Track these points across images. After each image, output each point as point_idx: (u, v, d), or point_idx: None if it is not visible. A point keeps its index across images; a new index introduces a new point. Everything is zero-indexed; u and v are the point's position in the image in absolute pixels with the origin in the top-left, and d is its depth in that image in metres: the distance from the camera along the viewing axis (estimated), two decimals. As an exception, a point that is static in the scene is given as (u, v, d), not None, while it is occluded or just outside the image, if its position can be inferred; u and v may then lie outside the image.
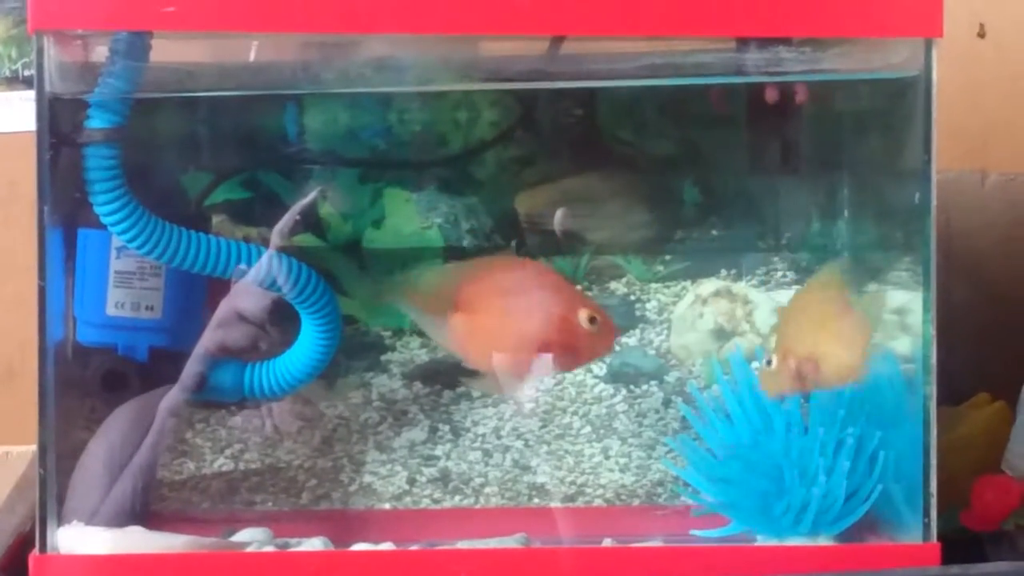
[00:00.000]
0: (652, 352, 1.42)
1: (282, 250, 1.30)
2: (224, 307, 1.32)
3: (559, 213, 1.41)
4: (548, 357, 1.27)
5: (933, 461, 1.22)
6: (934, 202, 1.22)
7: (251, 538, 1.29)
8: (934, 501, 1.22)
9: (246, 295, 1.31)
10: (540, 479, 1.39)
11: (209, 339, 1.32)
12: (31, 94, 1.22)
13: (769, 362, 1.24)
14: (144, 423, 1.33)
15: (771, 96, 1.35)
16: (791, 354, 1.23)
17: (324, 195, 1.39)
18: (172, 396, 1.32)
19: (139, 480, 1.32)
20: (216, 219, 1.38)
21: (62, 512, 1.24)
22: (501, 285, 1.28)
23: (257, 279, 1.29)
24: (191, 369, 1.31)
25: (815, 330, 1.24)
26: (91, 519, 1.26)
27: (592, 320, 1.26)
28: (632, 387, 1.40)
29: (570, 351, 1.27)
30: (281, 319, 1.33)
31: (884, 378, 1.28)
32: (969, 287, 1.63)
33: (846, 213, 1.41)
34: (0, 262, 1.71)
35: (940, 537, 1.23)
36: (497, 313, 1.28)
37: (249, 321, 1.32)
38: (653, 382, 1.41)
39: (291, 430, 1.39)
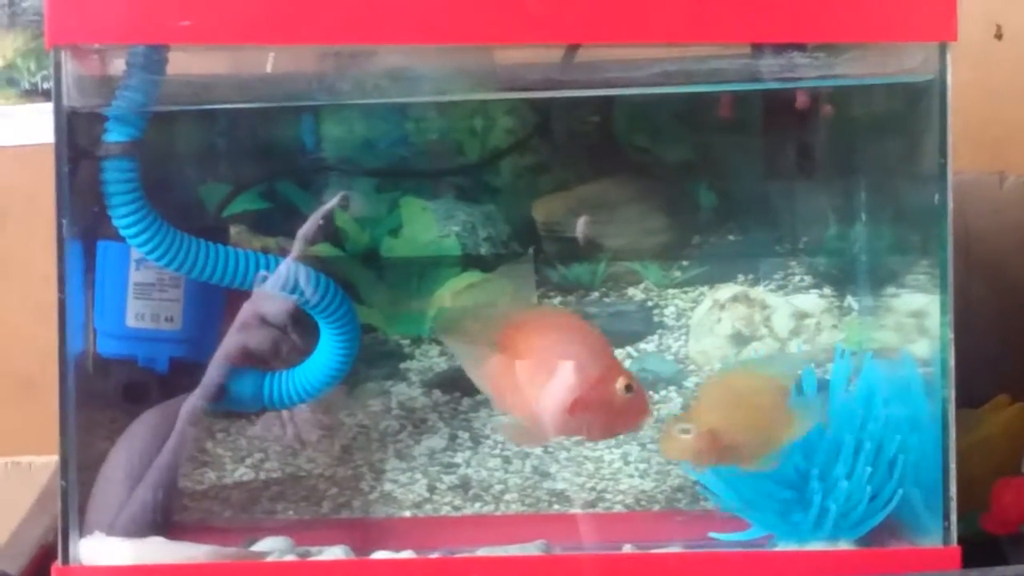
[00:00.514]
0: (670, 358, 1.42)
1: (303, 257, 1.31)
2: (247, 310, 1.32)
3: (581, 221, 1.41)
4: (579, 419, 1.25)
5: (952, 464, 1.22)
6: (951, 205, 1.22)
7: (272, 547, 1.29)
8: (954, 505, 1.22)
9: (269, 299, 1.32)
10: (560, 485, 1.39)
11: (231, 342, 1.32)
12: (49, 107, 1.22)
13: (687, 431, 1.22)
14: (164, 433, 1.33)
15: (802, 102, 1.35)
16: (713, 431, 1.22)
17: (347, 200, 1.39)
18: (192, 402, 1.32)
19: (160, 490, 1.32)
20: (235, 230, 1.39)
21: (84, 523, 1.25)
22: (546, 338, 1.26)
23: (276, 289, 1.30)
24: (212, 374, 1.32)
25: (745, 416, 1.24)
26: (112, 530, 1.27)
27: (628, 388, 1.24)
28: (651, 392, 1.41)
29: (602, 417, 1.25)
30: (303, 323, 1.34)
31: (903, 381, 1.28)
32: (987, 289, 1.62)
33: (863, 216, 1.41)
34: (21, 274, 1.72)
35: (960, 540, 1.22)
36: (536, 365, 1.26)
37: (271, 324, 1.33)
38: (672, 387, 1.41)
39: (311, 439, 1.39)
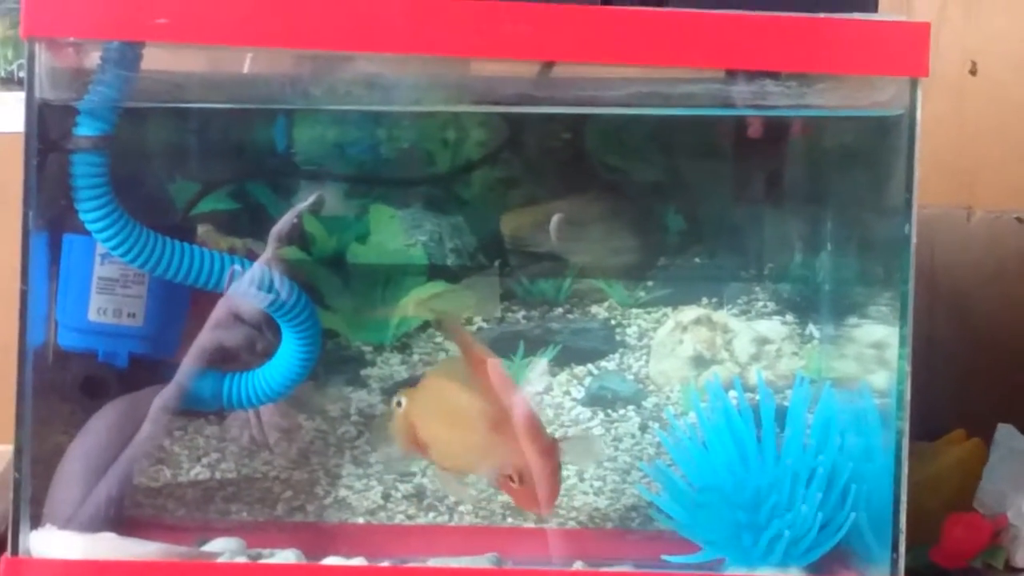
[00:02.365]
0: (631, 377, 1.42)
1: (277, 254, 1.31)
2: (221, 308, 1.32)
3: (555, 219, 1.41)
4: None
5: (904, 496, 1.23)
6: (914, 239, 1.23)
7: (224, 548, 1.29)
8: (903, 536, 1.22)
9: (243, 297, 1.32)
10: (514, 499, 1.39)
11: (206, 339, 1.32)
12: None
13: (400, 404, 1.26)
14: (122, 429, 1.33)
15: (754, 131, 1.36)
16: (411, 423, 1.27)
17: (323, 201, 1.39)
18: (163, 398, 1.32)
19: (114, 486, 1.32)
20: (202, 229, 1.39)
21: (37, 515, 1.25)
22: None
23: (239, 290, 1.30)
24: (185, 370, 1.32)
25: (445, 425, 1.28)
26: (65, 523, 1.27)
27: (521, 479, 1.27)
28: (609, 411, 1.41)
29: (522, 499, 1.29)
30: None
31: (860, 411, 1.29)
32: (951, 323, 1.63)
33: (828, 246, 1.41)
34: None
35: (909, 572, 1.23)
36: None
37: (245, 322, 1.33)
38: (630, 407, 1.42)
39: (268, 441, 1.39)
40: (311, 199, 1.37)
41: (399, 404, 1.27)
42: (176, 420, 1.38)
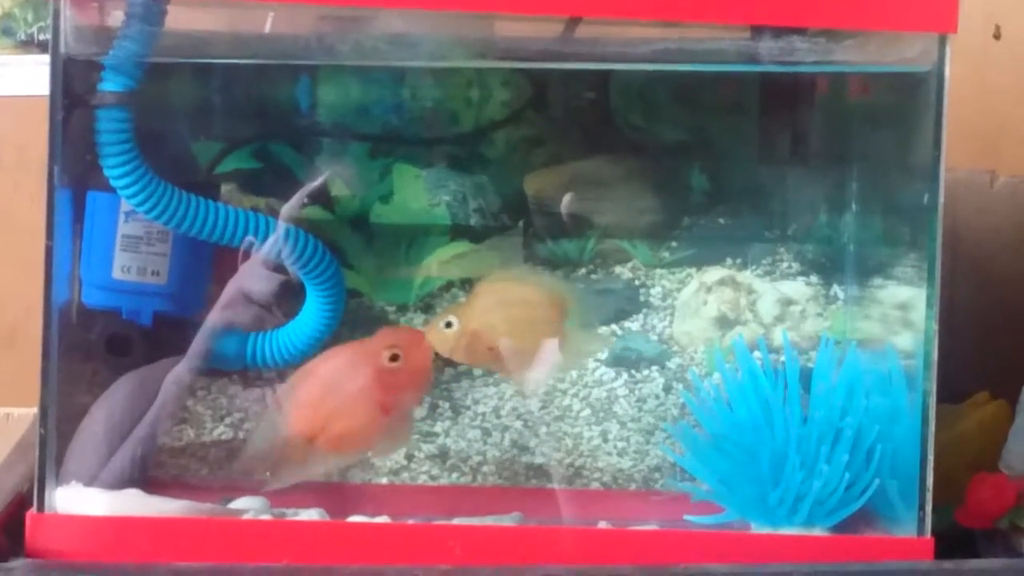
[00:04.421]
0: (655, 338, 1.42)
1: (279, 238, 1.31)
2: (231, 288, 1.32)
3: (567, 197, 1.41)
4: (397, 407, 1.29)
5: (930, 457, 1.23)
6: (941, 199, 1.22)
7: (248, 506, 1.29)
8: (929, 496, 1.23)
9: (253, 276, 1.32)
10: (538, 460, 1.39)
11: (216, 319, 1.32)
12: (45, 58, 1.22)
13: (450, 325, 1.27)
14: (148, 393, 1.33)
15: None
16: (476, 332, 1.26)
17: (332, 178, 1.39)
18: (178, 372, 1.32)
19: (139, 448, 1.32)
20: (225, 187, 1.39)
21: (61, 473, 1.25)
22: (316, 393, 1.29)
23: (264, 249, 1.30)
24: (196, 348, 1.32)
25: (511, 325, 1.27)
26: (90, 481, 1.27)
27: (394, 357, 1.28)
28: (633, 372, 1.41)
29: (403, 393, 1.30)
30: (288, 300, 1.34)
31: (885, 372, 1.29)
32: (972, 287, 1.63)
33: (853, 206, 1.41)
34: (8, 226, 1.72)
35: (934, 533, 1.23)
36: (334, 414, 1.29)
37: (255, 302, 1.33)
38: (654, 367, 1.41)
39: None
40: (321, 178, 1.37)
41: (449, 325, 1.27)
42: (199, 380, 1.38)
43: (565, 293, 1.31)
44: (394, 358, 1.28)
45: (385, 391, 1.28)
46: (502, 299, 1.29)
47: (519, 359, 1.28)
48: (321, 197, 1.38)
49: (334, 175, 1.39)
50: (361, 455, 1.36)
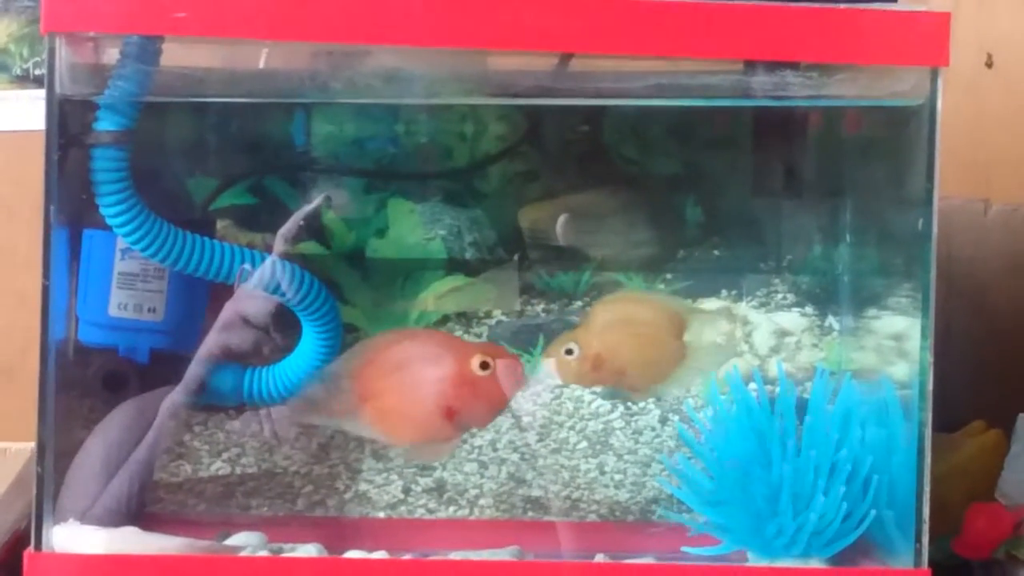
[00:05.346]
0: (651, 370, 1.42)
1: (285, 256, 1.31)
2: (228, 311, 1.32)
3: (561, 219, 1.41)
4: (458, 418, 1.26)
5: (927, 487, 1.23)
6: (935, 230, 1.22)
7: (245, 542, 1.29)
8: (926, 527, 1.22)
9: (250, 299, 1.32)
10: (535, 492, 1.39)
11: (213, 342, 1.32)
12: (41, 93, 1.22)
13: (570, 351, 1.26)
14: (143, 424, 1.33)
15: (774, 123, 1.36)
16: (599, 355, 1.26)
17: (329, 202, 1.39)
18: (173, 399, 1.32)
19: (136, 481, 1.32)
20: (221, 224, 1.39)
21: (58, 510, 1.25)
22: (392, 362, 1.27)
23: (259, 284, 1.30)
24: (193, 372, 1.32)
25: (633, 342, 1.27)
26: (87, 518, 1.27)
27: (484, 365, 1.24)
28: (629, 404, 1.41)
29: (475, 404, 1.26)
30: (285, 324, 1.34)
31: (881, 403, 1.29)
32: (969, 316, 1.63)
33: (847, 237, 1.41)
34: (5, 261, 1.72)
35: (931, 564, 1.23)
36: (397, 390, 1.26)
37: (253, 325, 1.33)
38: (650, 399, 1.41)
39: (288, 436, 1.39)
40: (318, 200, 1.37)
41: (570, 352, 1.26)
42: (195, 415, 1.38)
43: (681, 309, 1.30)
44: (484, 366, 1.24)
45: (457, 396, 1.25)
46: (620, 318, 1.28)
47: (647, 376, 1.28)
48: (315, 229, 1.38)
49: (327, 204, 1.39)
50: (396, 443, 1.33)
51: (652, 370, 1.28)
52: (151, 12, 1.19)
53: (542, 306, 1.42)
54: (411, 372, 1.26)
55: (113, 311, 1.32)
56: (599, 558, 1.27)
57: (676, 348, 1.28)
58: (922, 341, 1.24)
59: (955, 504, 1.34)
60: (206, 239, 1.30)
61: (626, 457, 1.40)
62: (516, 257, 1.43)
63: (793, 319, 1.42)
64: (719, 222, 1.43)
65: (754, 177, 1.43)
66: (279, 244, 1.31)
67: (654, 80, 1.27)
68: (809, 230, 1.43)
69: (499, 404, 1.28)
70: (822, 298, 1.42)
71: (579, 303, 1.42)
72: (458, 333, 1.41)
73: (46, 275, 1.22)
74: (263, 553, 1.26)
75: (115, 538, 1.25)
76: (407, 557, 1.26)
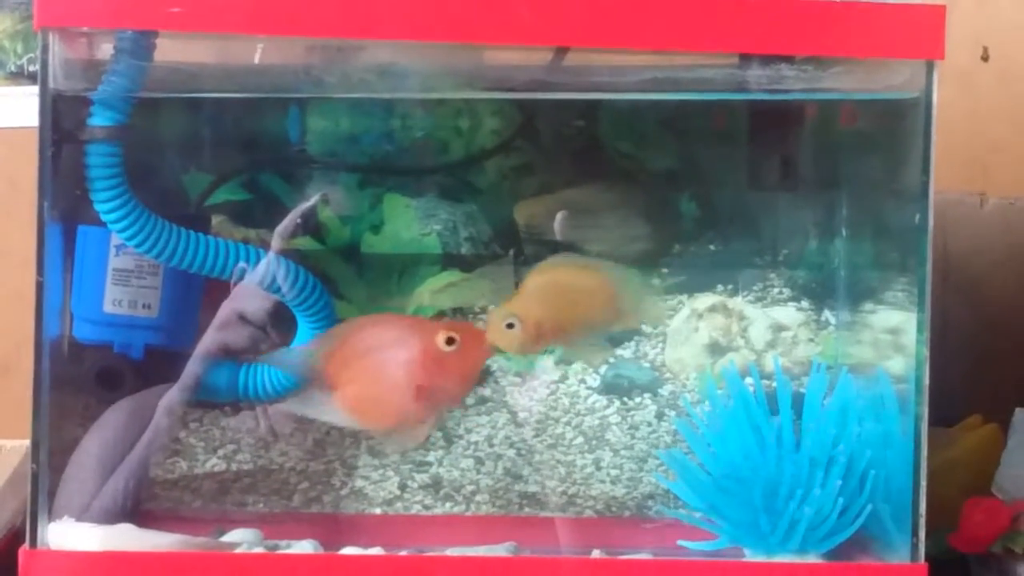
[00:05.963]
0: (647, 365, 1.42)
1: (281, 253, 1.31)
2: (226, 309, 1.32)
3: (559, 216, 1.41)
4: (427, 396, 1.26)
5: (923, 481, 1.23)
6: (931, 223, 1.23)
7: (241, 539, 1.29)
8: (923, 522, 1.22)
9: (248, 297, 1.32)
10: (531, 488, 1.39)
11: (210, 340, 1.32)
12: (34, 90, 1.22)
13: (511, 325, 1.25)
14: (139, 421, 1.33)
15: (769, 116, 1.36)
16: (538, 322, 1.25)
17: (326, 200, 1.39)
18: (170, 397, 1.32)
19: (131, 478, 1.32)
20: (216, 220, 1.39)
21: (53, 507, 1.25)
22: (359, 348, 1.26)
23: (255, 281, 1.30)
24: (190, 370, 1.32)
25: (569, 306, 1.28)
26: (82, 515, 1.27)
27: (450, 341, 1.24)
28: (625, 399, 1.41)
29: (445, 381, 1.26)
30: (283, 321, 1.34)
31: (877, 397, 1.29)
32: (965, 310, 1.63)
33: (843, 231, 1.41)
34: (0, 258, 1.72)
35: (928, 558, 1.23)
36: (366, 375, 1.26)
37: (250, 323, 1.33)
38: (646, 395, 1.41)
39: (284, 432, 1.39)
40: (315, 198, 1.37)
41: (511, 326, 1.25)
42: (191, 412, 1.38)
43: (611, 272, 1.31)
44: (450, 342, 1.24)
45: (427, 374, 1.24)
46: (555, 285, 1.28)
47: (586, 336, 1.29)
48: (311, 226, 1.38)
49: (324, 202, 1.39)
50: (370, 428, 1.33)
51: (590, 328, 1.29)
52: (144, 7, 1.19)
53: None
54: (378, 356, 1.26)
55: (108, 307, 1.32)
56: (595, 554, 1.27)
57: (613, 311, 1.29)
58: (918, 335, 1.23)
59: (952, 498, 1.34)
60: (201, 235, 1.29)
61: (622, 452, 1.39)
62: (512, 252, 1.42)
63: (789, 314, 1.42)
64: (715, 216, 1.43)
65: (750, 171, 1.43)
66: (275, 241, 1.31)
67: (650, 74, 1.27)
68: (805, 224, 1.43)
69: (468, 379, 1.29)
70: (818, 292, 1.42)
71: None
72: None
73: (40, 271, 1.22)
74: (259, 550, 1.26)
75: (110, 535, 1.24)
76: (403, 553, 1.26)
